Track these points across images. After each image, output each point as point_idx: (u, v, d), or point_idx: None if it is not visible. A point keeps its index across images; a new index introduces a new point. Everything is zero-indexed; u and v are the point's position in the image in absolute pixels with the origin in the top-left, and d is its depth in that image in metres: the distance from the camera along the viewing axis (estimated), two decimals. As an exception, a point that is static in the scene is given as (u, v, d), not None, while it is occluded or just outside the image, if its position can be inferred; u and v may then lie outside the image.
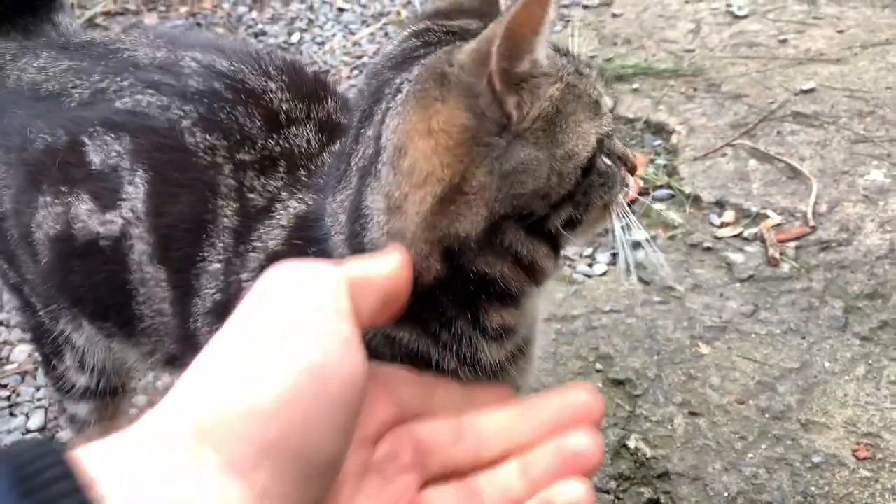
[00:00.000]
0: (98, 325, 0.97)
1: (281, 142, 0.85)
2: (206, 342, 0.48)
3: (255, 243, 0.81)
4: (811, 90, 2.14)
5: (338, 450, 0.46)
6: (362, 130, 0.66)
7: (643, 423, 1.36)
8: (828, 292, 1.56)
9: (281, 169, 0.84)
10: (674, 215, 1.80)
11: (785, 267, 1.62)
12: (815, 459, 1.28)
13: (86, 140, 0.87)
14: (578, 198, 0.65)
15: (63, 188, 0.88)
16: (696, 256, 1.69)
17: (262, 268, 0.75)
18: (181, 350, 0.89)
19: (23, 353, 1.67)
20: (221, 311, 0.81)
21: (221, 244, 0.82)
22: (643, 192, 1.90)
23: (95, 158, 0.86)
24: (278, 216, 0.80)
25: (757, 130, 2.03)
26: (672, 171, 1.95)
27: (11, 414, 1.53)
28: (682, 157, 1.98)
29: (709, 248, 1.69)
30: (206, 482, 0.41)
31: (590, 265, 1.73)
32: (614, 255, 1.75)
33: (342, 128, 0.85)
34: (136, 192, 0.84)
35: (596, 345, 1.51)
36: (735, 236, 1.71)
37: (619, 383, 1.43)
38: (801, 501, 1.23)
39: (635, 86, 2.28)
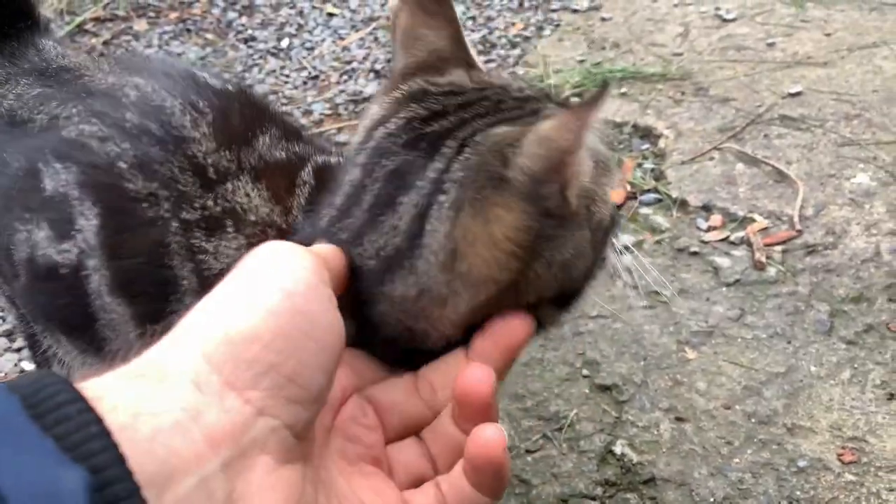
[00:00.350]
0: (70, 341, 0.97)
1: (219, 201, 0.82)
2: None
3: None
4: (798, 93, 2.15)
5: (323, 384, 0.51)
6: (379, 218, 0.61)
7: (629, 428, 1.36)
8: (814, 296, 1.56)
9: (230, 230, 0.81)
10: (661, 220, 1.80)
11: (771, 271, 1.62)
12: (801, 464, 1.28)
13: (41, 167, 0.86)
14: (598, 263, 0.67)
15: (26, 214, 0.87)
16: (682, 261, 1.69)
17: None
18: None
19: (9, 361, 1.66)
20: None
21: (189, 301, 0.81)
22: (630, 197, 1.90)
23: (49, 186, 0.85)
24: None
25: (744, 134, 2.03)
26: (659, 176, 1.95)
27: (-3, 424, 1.52)
28: (670, 161, 1.98)
29: (695, 253, 1.70)
30: (209, 396, 0.45)
31: (577, 270, 1.73)
32: (601, 260, 1.75)
33: (282, 166, 0.84)
34: (87, 224, 0.83)
35: (583, 350, 1.51)
36: (722, 240, 1.72)
37: (605, 389, 1.43)
38: (786, 507, 1.24)
39: (623, 90, 2.29)
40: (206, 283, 0.77)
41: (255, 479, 0.45)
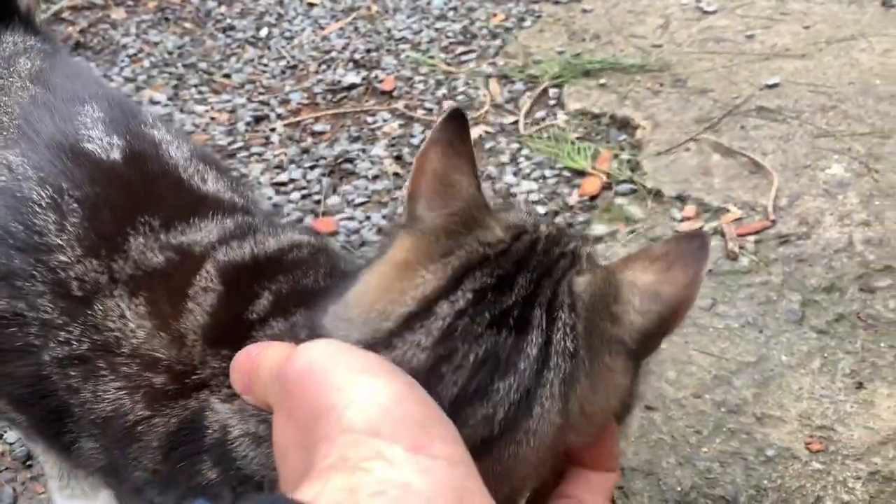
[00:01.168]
0: None
1: (86, 332, 0.71)
2: None
3: None
4: (776, 85, 2.14)
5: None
6: (467, 410, 0.52)
7: (598, 417, 1.35)
8: (786, 286, 1.55)
9: (104, 371, 0.70)
10: (635, 210, 1.80)
11: (744, 261, 1.62)
12: (769, 453, 1.28)
13: None
14: None
15: None
16: (656, 251, 1.68)
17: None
18: None
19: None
20: None
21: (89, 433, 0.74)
22: (606, 187, 1.90)
23: None
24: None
25: (721, 125, 2.03)
26: (635, 166, 1.94)
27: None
28: (646, 151, 1.98)
29: (669, 243, 1.69)
30: (403, 466, 0.43)
31: (550, 260, 1.72)
32: (575, 250, 1.75)
33: (163, 273, 0.73)
34: None
35: (554, 339, 1.49)
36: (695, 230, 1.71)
37: (575, 378, 1.42)
38: (753, 495, 1.23)
39: (602, 81, 2.28)
40: (102, 423, 0.69)
41: None
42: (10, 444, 1.43)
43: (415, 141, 2.15)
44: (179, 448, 0.69)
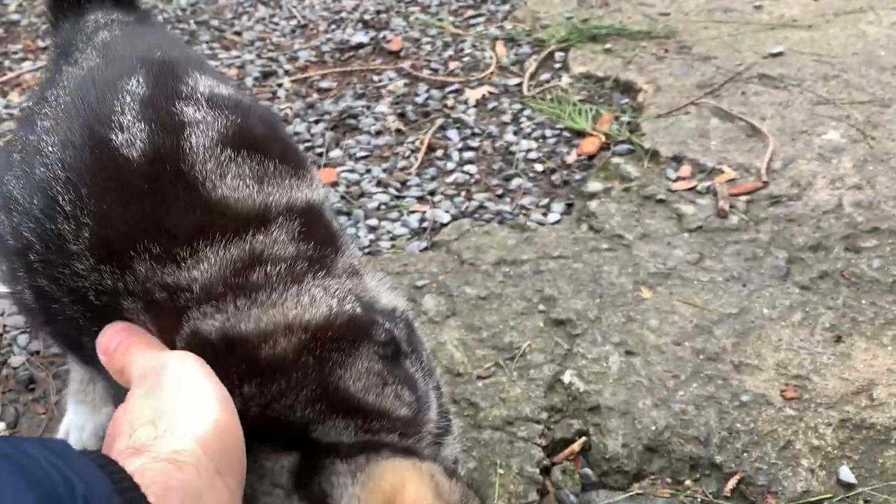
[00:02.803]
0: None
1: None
2: None
3: None
4: (779, 54, 2.15)
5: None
6: None
7: (579, 360, 1.39)
8: (773, 244, 1.58)
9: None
10: (631, 169, 1.82)
11: (734, 219, 1.64)
12: (744, 398, 1.31)
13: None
14: None
15: None
16: (648, 208, 1.71)
17: None
18: None
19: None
20: None
21: None
22: (604, 147, 1.92)
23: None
24: None
25: (722, 91, 2.04)
26: (635, 128, 1.96)
27: (-33, 339, 1.56)
28: (647, 114, 2.00)
29: (661, 201, 1.71)
30: (206, 480, 0.60)
31: (544, 214, 1.75)
32: (569, 206, 1.78)
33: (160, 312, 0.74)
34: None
35: (541, 287, 1.53)
36: (688, 190, 1.74)
37: (559, 323, 1.46)
38: (725, 437, 1.26)
39: (608, 46, 2.29)
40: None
41: None
42: (14, 368, 1.49)
43: (419, 100, 2.18)
44: None
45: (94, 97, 0.81)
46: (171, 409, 0.63)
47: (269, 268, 0.76)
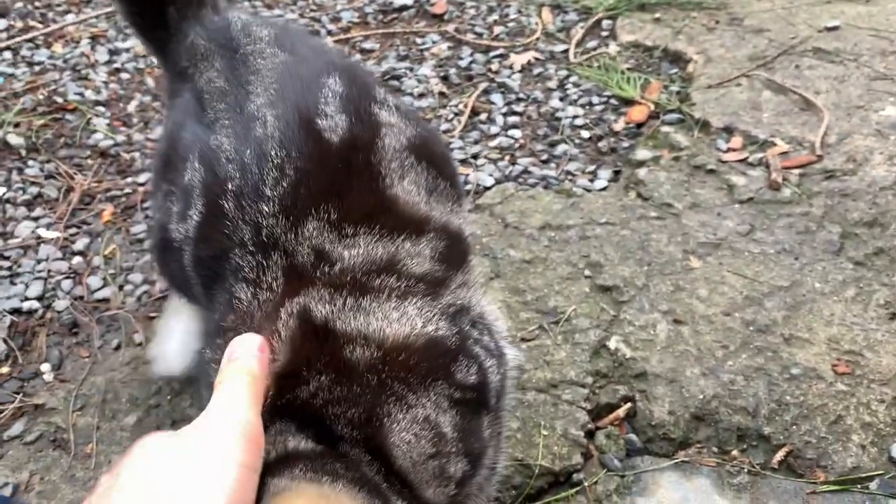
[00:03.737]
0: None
1: (258, 266, 0.82)
2: None
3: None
4: (835, 28, 2.09)
5: None
6: None
7: (626, 326, 1.37)
8: (826, 218, 1.54)
9: (258, 295, 0.82)
10: (681, 138, 1.78)
11: (786, 192, 1.60)
12: (794, 371, 1.29)
13: (189, 158, 0.94)
14: None
15: (169, 194, 0.99)
16: (697, 178, 1.67)
17: None
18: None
19: (27, 228, 1.70)
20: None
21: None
22: (653, 116, 1.88)
23: (186, 177, 0.94)
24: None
25: (775, 64, 1.99)
26: (684, 98, 1.92)
27: (12, 282, 1.57)
28: (696, 84, 1.95)
29: (712, 171, 1.68)
30: None
31: (590, 180, 1.72)
32: (616, 173, 1.75)
33: (297, 270, 0.80)
34: (195, 216, 0.91)
35: (587, 253, 1.51)
36: (740, 161, 1.70)
37: (605, 289, 1.44)
38: (774, 409, 1.24)
39: (657, 15, 2.24)
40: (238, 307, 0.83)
41: None
42: (59, 312, 1.50)
43: (462, 63, 2.15)
44: None
45: (300, 86, 0.92)
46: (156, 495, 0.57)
47: (393, 279, 0.80)
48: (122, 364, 1.39)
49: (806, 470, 1.19)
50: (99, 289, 1.55)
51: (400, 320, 0.76)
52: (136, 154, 1.91)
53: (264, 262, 0.81)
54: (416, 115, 1.01)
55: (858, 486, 1.16)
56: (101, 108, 2.07)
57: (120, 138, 1.96)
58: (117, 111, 2.07)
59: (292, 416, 0.72)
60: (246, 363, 0.69)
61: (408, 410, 0.72)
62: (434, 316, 0.79)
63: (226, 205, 0.87)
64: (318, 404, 0.71)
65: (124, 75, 2.22)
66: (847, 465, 1.18)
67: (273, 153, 0.86)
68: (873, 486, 1.16)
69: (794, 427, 1.22)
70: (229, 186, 0.87)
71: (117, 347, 1.43)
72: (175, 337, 1.31)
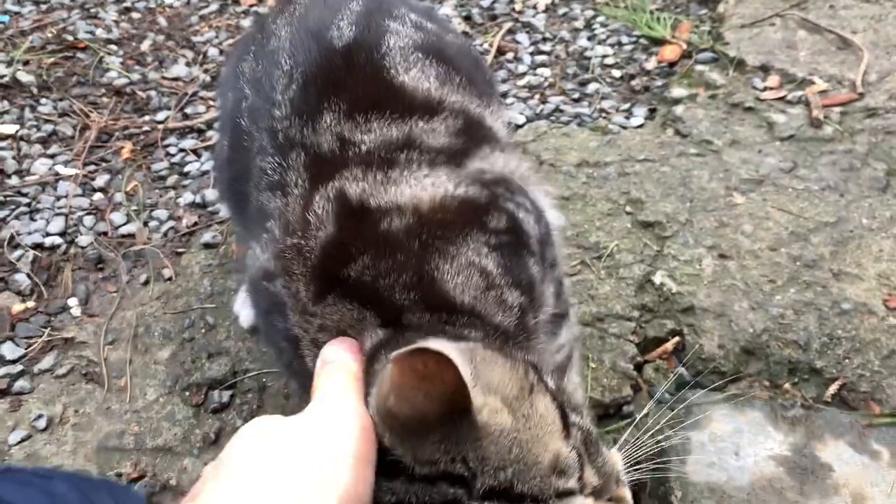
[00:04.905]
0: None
1: (278, 168, 0.87)
2: None
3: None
4: (870, -32, 2.03)
5: None
6: None
7: (670, 261, 1.34)
8: (871, 155, 1.50)
9: (286, 199, 0.85)
10: (716, 77, 1.74)
11: (828, 129, 1.56)
12: (844, 306, 1.26)
13: (227, 94, 1.05)
14: None
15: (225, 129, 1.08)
16: (736, 115, 1.63)
17: None
18: None
19: (43, 165, 1.65)
20: None
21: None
22: (685, 55, 1.83)
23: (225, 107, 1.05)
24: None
25: (808, 3, 1.93)
26: (717, 37, 1.87)
27: (31, 218, 1.52)
28: (728, 24, 1.90)
29: (750, 108, 1.64)
30: None
31: (626, 117, 1.68)
32: (651, 111, 1.70)
33: (326, 160, 0.84)
34: (224, 144, 1.04)
35: (627, 189, 1.47)
36: (778, 99, 1.65)
37: (647, 225, 1.40)
38: (826, 343, 1.22)
39: (684, -44, 2.18)
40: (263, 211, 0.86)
41: None
42: (83, 247, 1.45)
43: (485, 3, 2.08)
44: None
45: (322, 9, 0.99)
46: (270, 482, 0.54)
47: (415, 153, 0.84)
48: (151, 299, 1.35)
49: (860, 403, 1.17)
50: (123, 224, 1.50)
51: (433, 185, 0.81)
52: (153, 93, 1.85)
53: (285, 163, 0.84)
54: (435, 30, 1.04)
55: (914, 418, 1.14)
56: (114, 47, 2.00)
57: (135, 77, 1.90)
58: (130, 50, 2.00)
59: (350, 295, 0.75)
60: (342, 362, 0.68)
61: (452, 261, 0.76)
62: (462, 181, 0.83)
63: (242, 121, 0.94)
64: (369, 280, 0.74)
65: (135, 14, 2.14)
66: (902, 398, 1.16)
67: (283, 62, 0.92)
68: (929, 418, 1.14)
69: (847, 361, 1.20)
70: (244, 105, 0.94)
71: (146, 282, 1.38)
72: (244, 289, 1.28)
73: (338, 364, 0.68)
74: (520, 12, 2.06)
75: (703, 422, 1.15)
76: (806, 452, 1.11)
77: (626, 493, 0.71)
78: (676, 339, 1.24)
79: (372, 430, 0.61)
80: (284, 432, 0.57)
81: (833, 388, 1.18)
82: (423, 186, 0.81)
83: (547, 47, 1.92)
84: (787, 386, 1.19)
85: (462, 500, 0.62)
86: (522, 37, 1.96)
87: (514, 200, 0.87)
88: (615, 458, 0.73)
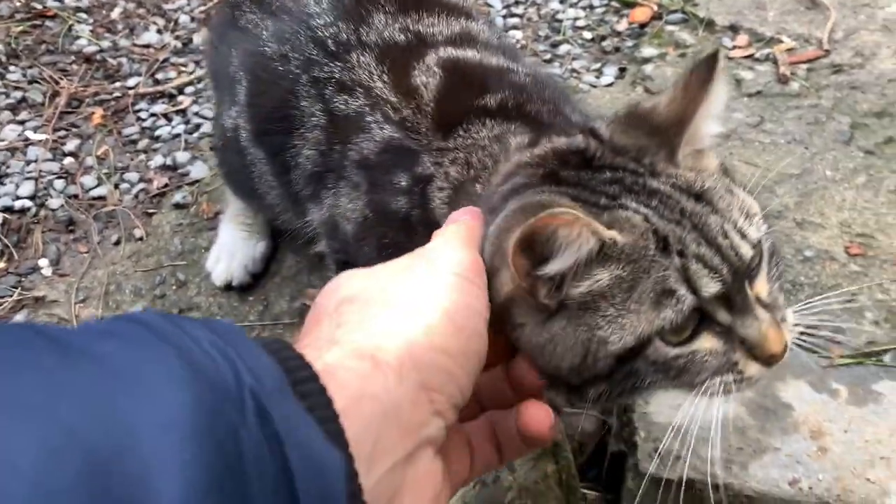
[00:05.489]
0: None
1: (345, 70, 0.92)
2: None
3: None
4: (838, -71, 2.05)
5: (469, 390, 0.56)
6: None
7: (638, 213, 1.35)
8: (836, 109, 1.53)
9: (360, 97, 0.90)
10: (686, 36, 1.75)
11: (795, 85, 1.58)
12: (807, 254, 1.28)
13: (233, 52, 1.08)
14: (618, 380, 0.63)
15: (225, 91, 1.12)
16: (704, 73, 1.64)
17: None
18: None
19: (13, 132, 1.64)
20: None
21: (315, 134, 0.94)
22: (656, 17, 1.84)
23: (230, 69, 1.06)
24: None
25: (778, -35, 1.95)
26: (687, -1, 1.88)
27: (1, 183, 1.52)
28: (699, -14, 1.91)
29: (718, 67, 1.65)
30: (408, 390, 0.50)
31: (597, 76, 1.69)
32: (622, 70, 1.71)
33: (401, 49, 0.91)
34: (241, 90, 1.03)
35: (596, 146, 1.48)
36: (747, 57, 1.67)
37: (616, 179, 1.42)
38: (789, 289, 1.24)
39: (656, -80, 2.18)
40: (335, 118, 0.91)
41: (421, 468, 0.51)
42: (53, 210, 1.45)
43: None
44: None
45: None
46: (388, 297, 0.54)
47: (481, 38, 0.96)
48: (123, 258, 1.36)
49: (822, 345, 1.19)
50: (94, 187, 1.50)
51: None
52: (123, 59, 1.84)
53: (347, 64, 0.90)
54: None
55: (873, 359, 1.16)
56: (83, 15, 1.99)
57: (105, 44, 1.88)
58: (100, 18, 1.99)
59: (489, 115, 0.82)
60: (462, 219, 0.64)
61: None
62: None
63: (266, 49, 0.98)
64: (513, 105, 0.84)
65: (105, -18, 2.13)
66: (861, 340, 1.18)
67: None
68: (887, 358, 1.16)
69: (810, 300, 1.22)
70: (264, 37, 0.99)
71: (117, 242, 1.39)
72: (225, 248, 1.27)
73: (457, 221, 0.64)
74: (492, -23, 2.06)
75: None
76: (768, 393, 1.13)
77: (787, 330, 0.70)
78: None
79: (481, 269, 0.59)
80: (383, 267, 0.58)
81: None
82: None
83: (519, 10, 1.93)
84: (750, 331, 1.22)
85: (643, 173, 0.65)
86: (495, 0, 1.96)
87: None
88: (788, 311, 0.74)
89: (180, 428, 0.36)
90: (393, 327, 0.52)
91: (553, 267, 0.58)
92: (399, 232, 0.84)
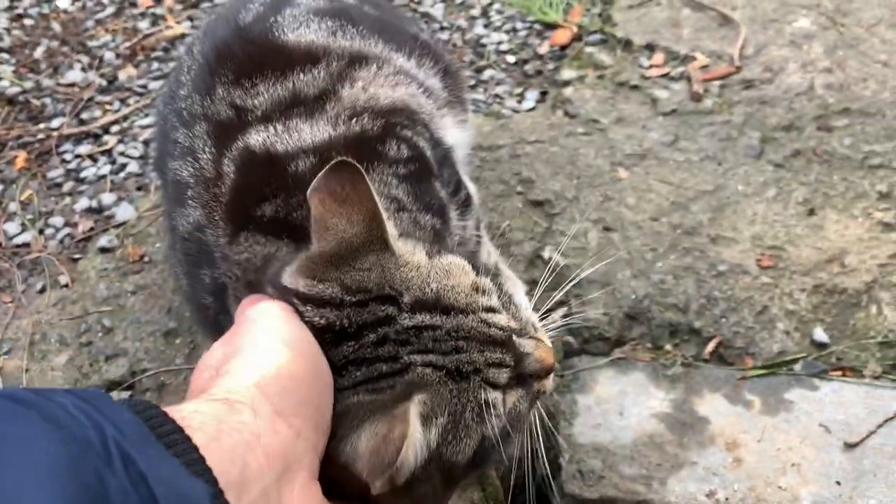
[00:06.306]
0: None
1: (185, 138, 0.96)
2: None
3: None
4: (749, -54, 2.12)
5: (328, 409, 0.65)
6: None
7: (558, 237, 1.39)
8: (747, 125, 1.58)
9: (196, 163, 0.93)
10: (604, 57, 1.80)
11: (708, 102, 1.64)
12: (721, 268, 1.33)
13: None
14: (476, 463, 0.75)
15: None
16: (622, 94, 1.69)
17: None
18: None
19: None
20: None
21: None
22: (576, 39, 1.89)
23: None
24: None
25: (693, -17, 2.01)
26: (606, 19, 1.93)
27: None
28: (618, 5, 1.96)
29: (635, 87, 1.70)
30: (264, 421, 0.57)
31: (518, 101, 1.72)
32: (543, 94, 1.75)
33: (225, 126, 0.91)
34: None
35: (519, 170, 1.52)
36: (662, 76, 1.72)
37: (538, 204, 1.45)
38: (703, 304, 1.28)
39: (576, -59, 2.24)
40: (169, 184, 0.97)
41: (297, 491, 0.57)
42: (-25, 259, 1.43)
43: (384, -5, 2.11)
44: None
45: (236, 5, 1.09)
46: (236, 352, 0.63)
47: (301, 107, 0.90)
48: (48, 306, 1.35)
49: (735, 358, 1.24)
50: (17, 234, 1.49)
51: (320, 131, 0.88)
52: (48, 100, 1.83)
53: (191, 133, 0.92)
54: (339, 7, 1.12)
55: (784, 368, 1.21)
56: (5, 55, 1.97)
57: (28, 85, 1.87)
58: (22, 57, 1.97)
59: (263, 231, 0.83)
60: (263, 307, 0.72)
61: None
62: (343, 119, 0.90)
63: (161, 107, 1.06)
64: (283, 216, 0.82)
65: (28, 21, 2.11)
66: (773, 350, 1.23)
67: (194, 49, 1.02)
68: (798, 367, 1.22)
69: (723, 319, 1.27)
70: (163, 96, 1.09)
71: (42, 290, 1.38)
72: None
73: (258, 309, 0.71)
74: (418, 2, 2.09)
75: (589, 385, 1.21)
76: (685, 408, 1.18)
77: (545, 336, 0.82)
78: (563, 309, 1.29)
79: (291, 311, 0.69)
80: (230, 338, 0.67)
81: (710, 346, 1.25)
82: (314, 132, 0.88)
83: (445, 36, 1.96)
84: (668, 347, 1.26)
85: (393, 315, 0.70)
86: (422, 26, 1.99)
87: (412, 129, 0.96)
88: (530, 312, 0.84)
89: (46, 468, 0.42)
90: (244, 371, 0.60)
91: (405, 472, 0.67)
92: (216, 331, 0.87)
